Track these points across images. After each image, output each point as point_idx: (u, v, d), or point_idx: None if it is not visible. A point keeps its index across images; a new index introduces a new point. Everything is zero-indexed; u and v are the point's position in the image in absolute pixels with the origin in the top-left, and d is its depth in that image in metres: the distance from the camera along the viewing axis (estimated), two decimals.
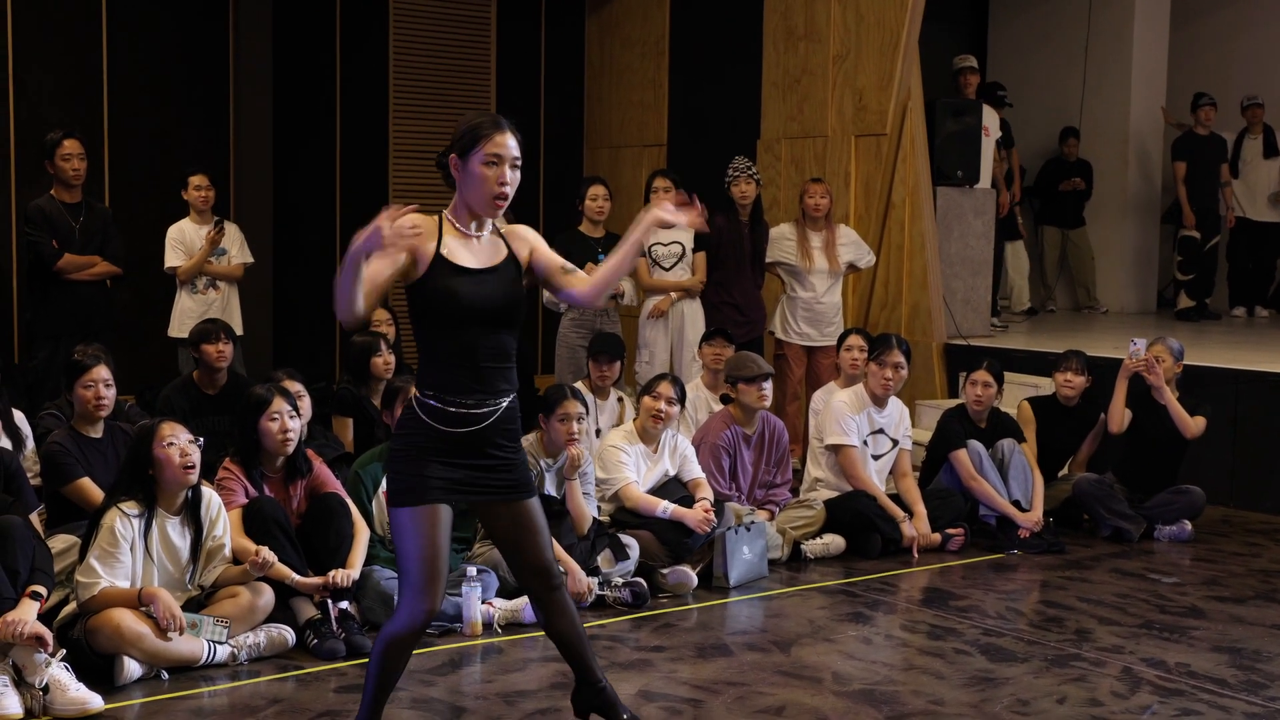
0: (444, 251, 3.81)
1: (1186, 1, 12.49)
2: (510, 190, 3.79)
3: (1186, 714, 4.50)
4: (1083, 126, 12.23)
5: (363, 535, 5.30)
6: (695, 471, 6.40)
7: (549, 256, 3.98)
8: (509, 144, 3.79)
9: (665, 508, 6.04)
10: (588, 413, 6.13)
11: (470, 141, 3.80)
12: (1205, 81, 12.37)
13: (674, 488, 6.29)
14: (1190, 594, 6.08)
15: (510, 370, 3.85)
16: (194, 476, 4.84)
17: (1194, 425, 7.10)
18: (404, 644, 3.80)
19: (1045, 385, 7.76)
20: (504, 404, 3.80)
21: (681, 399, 6.40)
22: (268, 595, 4.94)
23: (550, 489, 5.80)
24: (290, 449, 5.31)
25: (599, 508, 6.11)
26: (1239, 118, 11.84)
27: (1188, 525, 7.11)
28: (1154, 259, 12.66)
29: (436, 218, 3.90)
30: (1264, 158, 11.72)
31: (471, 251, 3.84)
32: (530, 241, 3.98)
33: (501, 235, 3.94)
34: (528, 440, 5.76)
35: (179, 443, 4.80)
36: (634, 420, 6.45)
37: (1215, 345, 9.15)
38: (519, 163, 3.83)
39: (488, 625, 5.26)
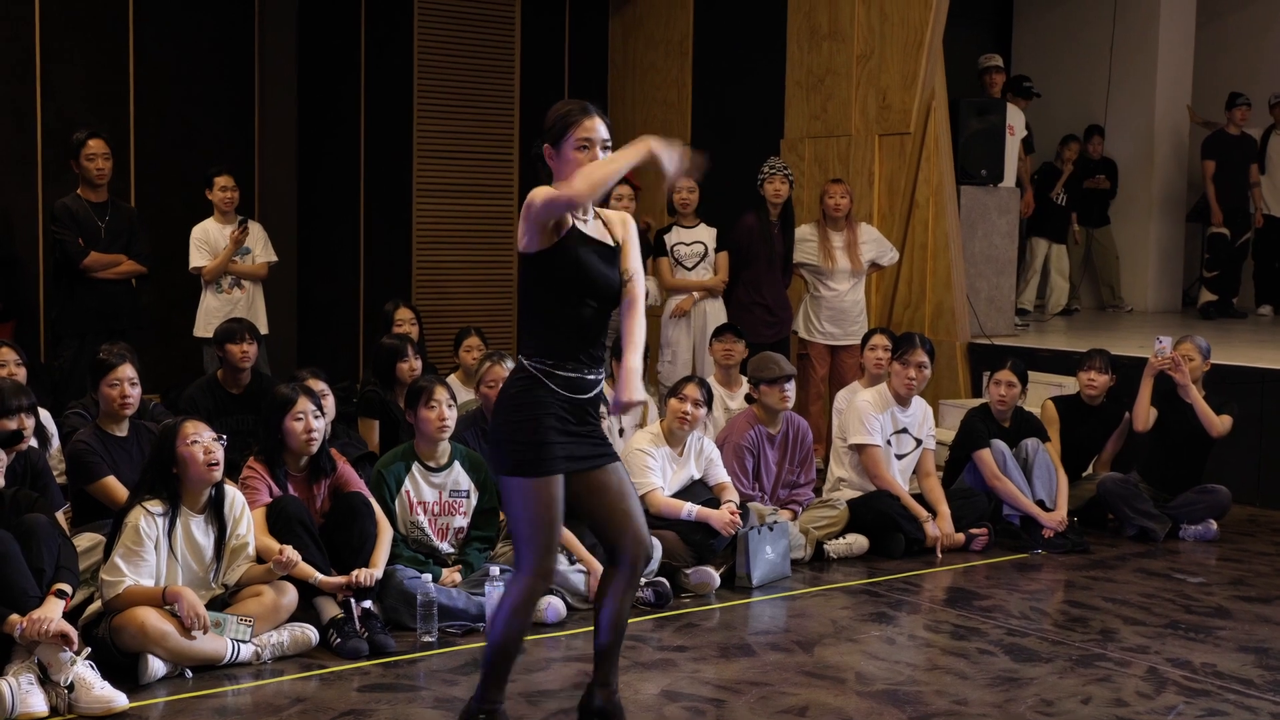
0: (578, 223, 3.92)
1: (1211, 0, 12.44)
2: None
3: (1212, 714, 4.47)
4: (1108, 125, 12.18)
5: (386, 534, 5.32)
6: (721, 475, 6.39)
7: (628, 257, 4.06)
8: (598, 127, 3.92)
9: (690, 510, 6.03)
10: (610, 412, 6.12)
11: (561, 129, 3.92)
12: (1232, 80, 12.30)
13: (699, 490, 6.28)
14: (1216, 594, 6.04)
15: (605, 344, 4.04)
16: (218, 474, 4.86)
17: (1220, 424, 7.06)
18: (526, 610, 3.96)
19: (1069, 384, 7.73)
20: (603, 375, 4.01)
21: (709, 401, 6.39)
22: (291, 594, 4.96)
23: None
24: (314, 448, 5.33)
25: None
26: (1266, 115, 11.76)
27: (1213, 525, 7.07)
28: (1179, 258, 12.60)
29: None
30: None
31: (588, 230, 3.96)
32: (626, 231, 4.07)
33: (601, 218, 4.04)
34: None
35: (203, 440, 4.82)
36: (660, 422, 6.45)
37: (1241, 344, 9.09)
38: (609, 144, 3.94)
39: None
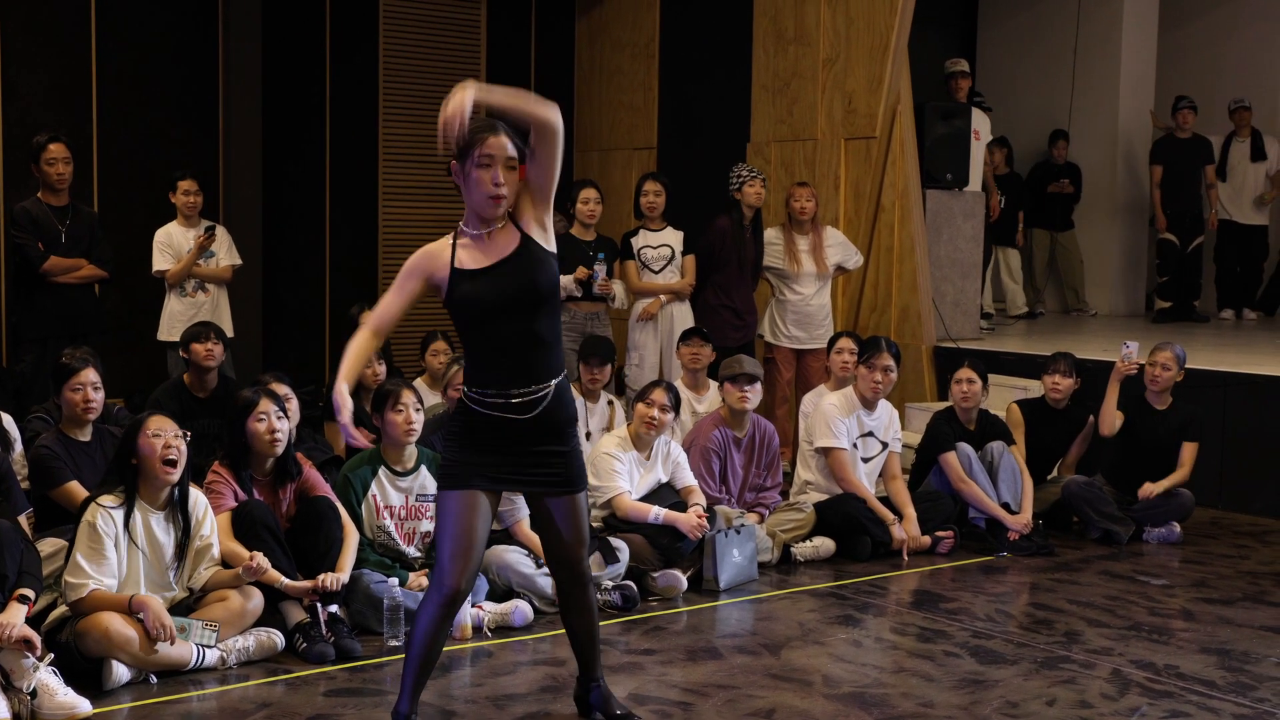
0: (457, 264, 3.96)
1: (1175, 5, 12.52)
2: (504, 190, 3.91)
3: (1175, 716, 4.51)
4: (1072, 129, 12.26)
5: (352, 539, 5.30)
6: (688, 479, 6.39)
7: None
8: (501, 144, 3.90)
9: (657, 513, 6.04)
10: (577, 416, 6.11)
11: (466, 147, 3.90)
12: (1194, 85, 12.40)
13: (666, 494, 6.29)
14: (1179, 596, 6.09)
15: (546, 355, 4.00)
16: (175, 474, 4.81)
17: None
18: (434, 623, 3.97)
19: (1034, 388, 7.77)
20: (546, 392, 3.96)
21: (676, 406, 6.40)
22: (257, 599, 4.93)
23: None
24: (278, 450, 5.31)
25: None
26: (1228, 121, 11.86)
27: (1176, 527, 7.12)
28: (1142, 262, 12.70)
29: (449, 236, 4.03)
30: (1251, 161, 11.75)
31: (484, 252, 3.96)
32: (525, 203, 4.02)
33: (514, 220, 4.01)
34: None
35: (165, 436, 4.78)
36: (628, 426, 6.45)
37: (1203, 348, 9.16)
38: (514, 163, 3.92)
39: (478, 629, 5.26)
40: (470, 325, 3.96)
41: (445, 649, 5.06)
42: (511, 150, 3.91)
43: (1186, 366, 7.31)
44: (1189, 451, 7.15)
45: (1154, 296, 12.02)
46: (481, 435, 3.97)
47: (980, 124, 10.20)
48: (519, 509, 5.67)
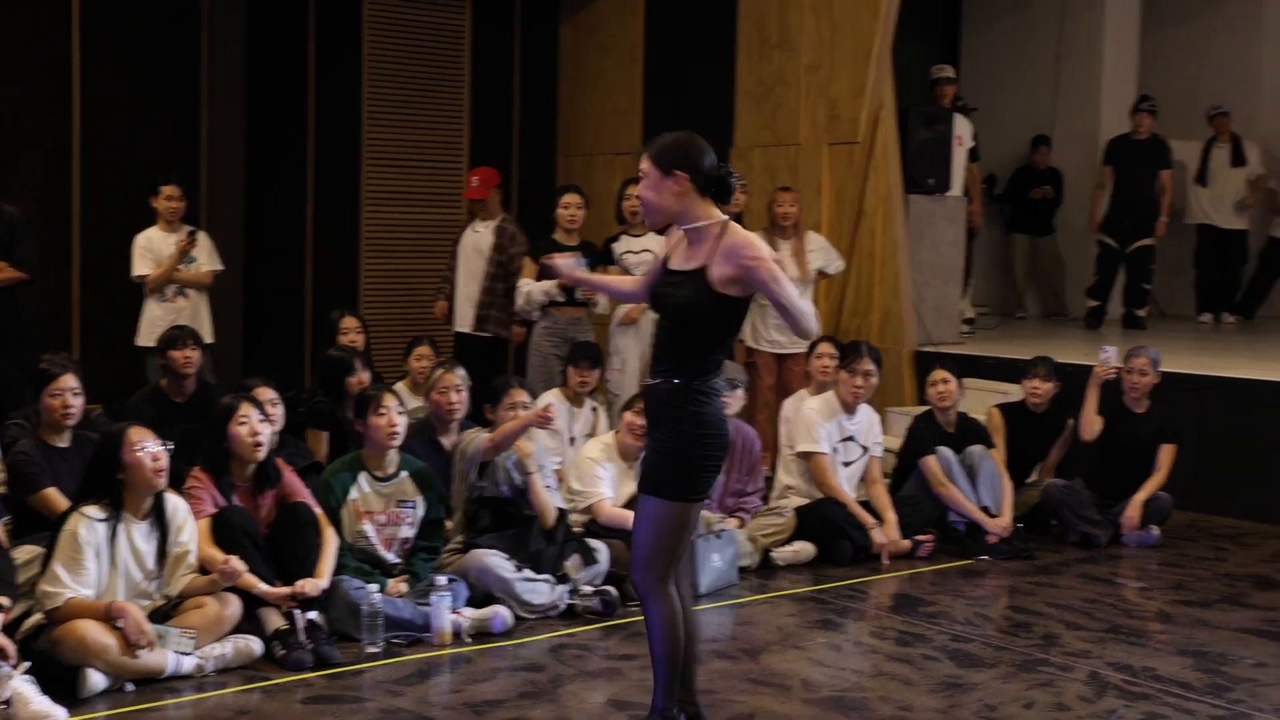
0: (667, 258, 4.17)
1: (1156, 12, 12.57)
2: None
3: (1152, 717, 4.53)
4: (1054, 135, 12.29)
5: (331, 545, 5.30)
6: None
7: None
8: (641, 165, 4.08)
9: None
10: (549, 421, 6.07)
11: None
12: (1175, 90, 12.44)
13: None
14: (1157, 598, 6.12)
15: (665, 358, 4.08)
16: (164, 481, 4.82)
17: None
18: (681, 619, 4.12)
19: (1014, 392, 7.79)
20: (654, 384, 4.10)
21: None
22: (235, 606, 4.92)
23: (516, 476, 5.76)
24: (260, 455, 5.30)
25: (565, 511, 6.09)
26: (1208, 126, 11.91)
27: (1155, 530, 7.15)
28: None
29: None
30: (1231, 166, 11.77)
31: (681, 256, 4.11)
32: (714, 260, 4.03)
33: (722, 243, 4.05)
34: (477, 439, 5.78)
35: (150, 448, 4.78)
36: (615, 434, 6.45)
37: (1182, 351, 9.20)
38: (640, 177, 4.10)
39: (457, 635, 5.25)
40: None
41: (424, 655, 5.08)
42: (643, 164, 4.05)
43: (1165, 370, 7.35)
44: (1167, 454, 7.18)
45: (1138, 302, 11.99)
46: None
47: (963, 130, 10.24)
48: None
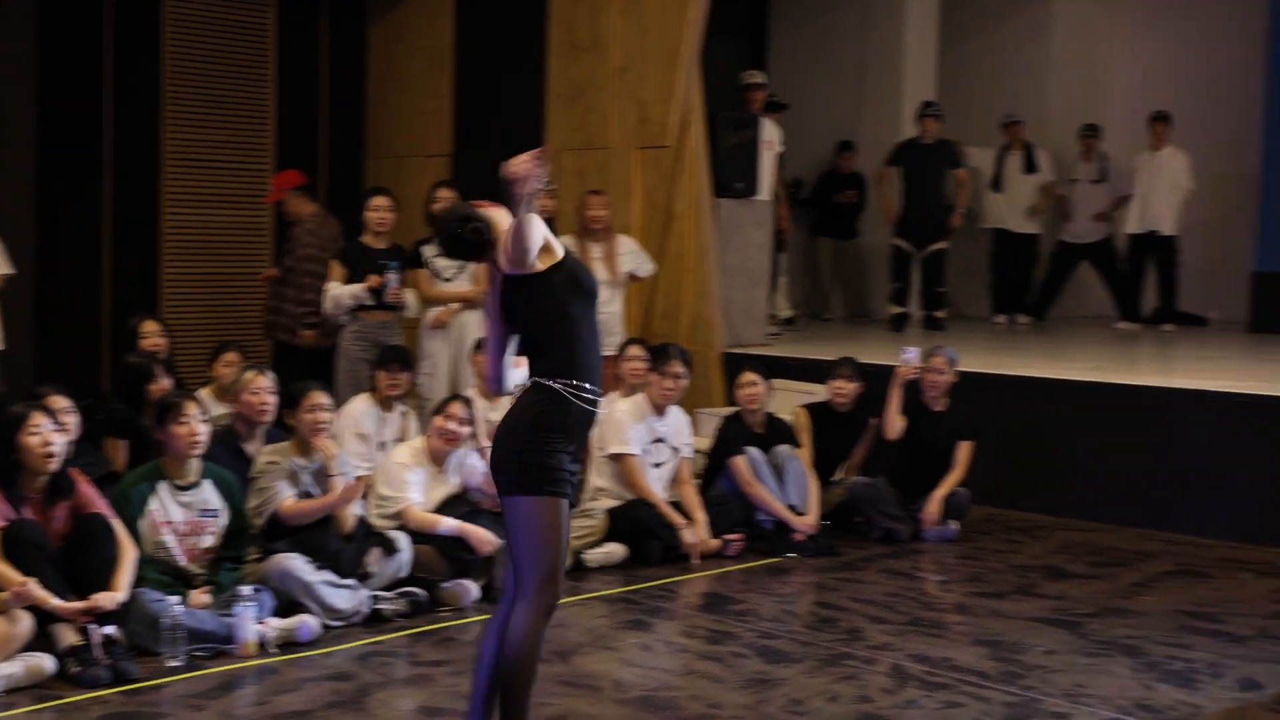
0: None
1: (954, 22, 12.98)
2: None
3: (950, 706, 4.68)
4: (858, 140, 12.59)
5: (129, 556, 5.13)
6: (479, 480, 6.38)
7: None
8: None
9: (448, 525, 6.01)
10: (331, 423, 5.98)
11: None
12: (972, 99, 12.89)
13: (457, 504, 6.25)
14: (955, 591, 6.33)
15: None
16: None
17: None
18: (540, 636, 3.91)
19: (820, 392, 7.97)
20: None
21: (472, 418, 6.37)
22: (25, 622, 4.73)
23: (312, 488, 5.68)
24: (52, 466, 5.10)
25: (365, 511, 6.02)
26: (1002, 135, 12.35)
27: (954, 525, 7.39)
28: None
29: None
30: (1023, 173, 12.23)
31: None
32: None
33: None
34: (280, 447, 5.68)
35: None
36: (425, 438, 6.39)
37: (979, 351, 9.51)
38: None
39: (262, 645, 5.15)
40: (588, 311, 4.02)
41: (227, 667, 4.97)
42: None
43: (963, 370, 7.60)
44: (965, 451, 7.43)
45: (930, 307, 12.30)
46: (579, 434, 3.97)
47: (773, 134, 10.43)
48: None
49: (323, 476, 5.72)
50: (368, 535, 5.78)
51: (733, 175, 9.66)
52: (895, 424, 7.45)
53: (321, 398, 5.78)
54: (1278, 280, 11.35)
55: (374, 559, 5.70)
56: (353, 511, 5.74)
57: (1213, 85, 12.70)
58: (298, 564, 5.44)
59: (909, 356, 7.45)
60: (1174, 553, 7.06)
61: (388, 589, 5.73)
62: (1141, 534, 7.44)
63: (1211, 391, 7.57)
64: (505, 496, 3.98)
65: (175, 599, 5.07)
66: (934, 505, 7.28)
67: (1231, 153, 12.31)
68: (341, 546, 5.61)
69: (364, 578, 5.61)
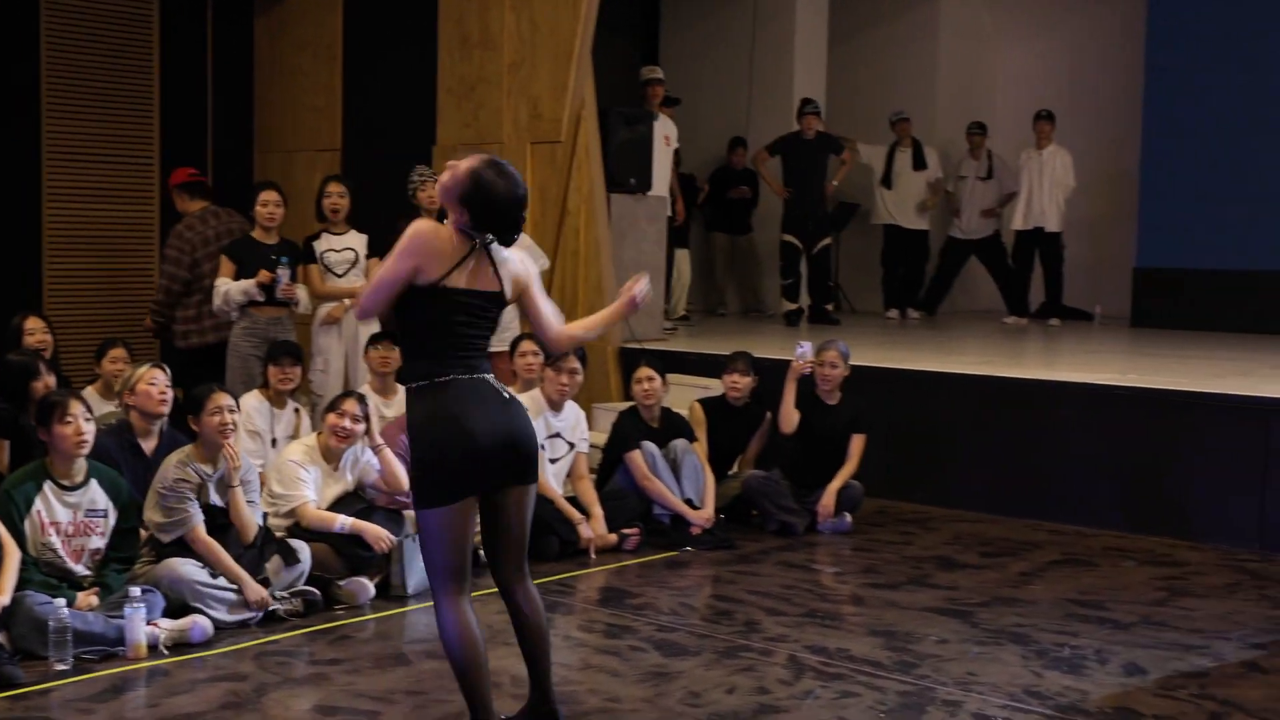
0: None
1: (844, 20, 13.14)
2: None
3: (846, 696, 4.73)
4: (750, 137, 12.69)
5: (13, 558, 5.01)
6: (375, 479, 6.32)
7: None
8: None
9: (343, 523, 5.95)
10: (237, 425, 5.88)
11: None
12: (862, 96, 13.07)
13: (351, 501, 6.19)
14: (850, 582, 6.40)
15: (479, 355, 4.10)
16: None
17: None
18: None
19: (715, 386, 8.02)
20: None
21: (366, 415, 6.30)
22: None
23: (215, 499, 5.60)
24: None
25: (266, 516, 5.93)
26: (892, 131, 12.52)
27: (848, 517, 7.47)
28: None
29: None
30: (913, 169, 12.42)
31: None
32: None
33: None
34: (184, 452, 5.57)
35: None
36: (317, 435, 6.31)
37: (871, 346, 9.64)
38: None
39: (153, 647, 5.05)
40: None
41: (117, 670, 4.87)
42: None
43: (856, 364, 7.69)
44: (857, 444, 7.52)
45: (833, 300, 12.44)
46: None
47: (669, 130, 10.47)
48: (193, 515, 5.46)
49: (224, 486, 5.59)
50: (268, 540, 5.68)
51: (626, 171, 9.69)
52: (791, 418, 7.51)
53: (225, 399, 5.65)
54: (1157, 276, 11.68)
55: (274, 567, 5.62)
56: (255, 520, 5.65)
57: (1096, 85, 13.04)
58: (190, 569, 5.34)
59: (803, 351, 7.52)
60: (1060, 543, 7.21)
61: (283, 587, 5.65)
62: (1029, 524, 7.59)
63: (1096, 384, 7.74)
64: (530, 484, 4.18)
65: (62, 601, 4.95)
66: (829, 498, 7.36)
67: (1114, 152, 12.65)
68: (240, 552, 5.52)
69: (263, 584, 5.51)
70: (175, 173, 8.96)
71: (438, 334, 3.99)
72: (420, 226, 4.00)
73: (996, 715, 4.57)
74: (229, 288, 7.77)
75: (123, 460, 5.86)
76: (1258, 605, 6.01)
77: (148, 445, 6.07)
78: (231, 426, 5.59)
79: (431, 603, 4.55)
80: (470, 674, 4.01)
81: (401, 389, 7.19)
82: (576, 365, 7.02)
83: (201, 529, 5.43)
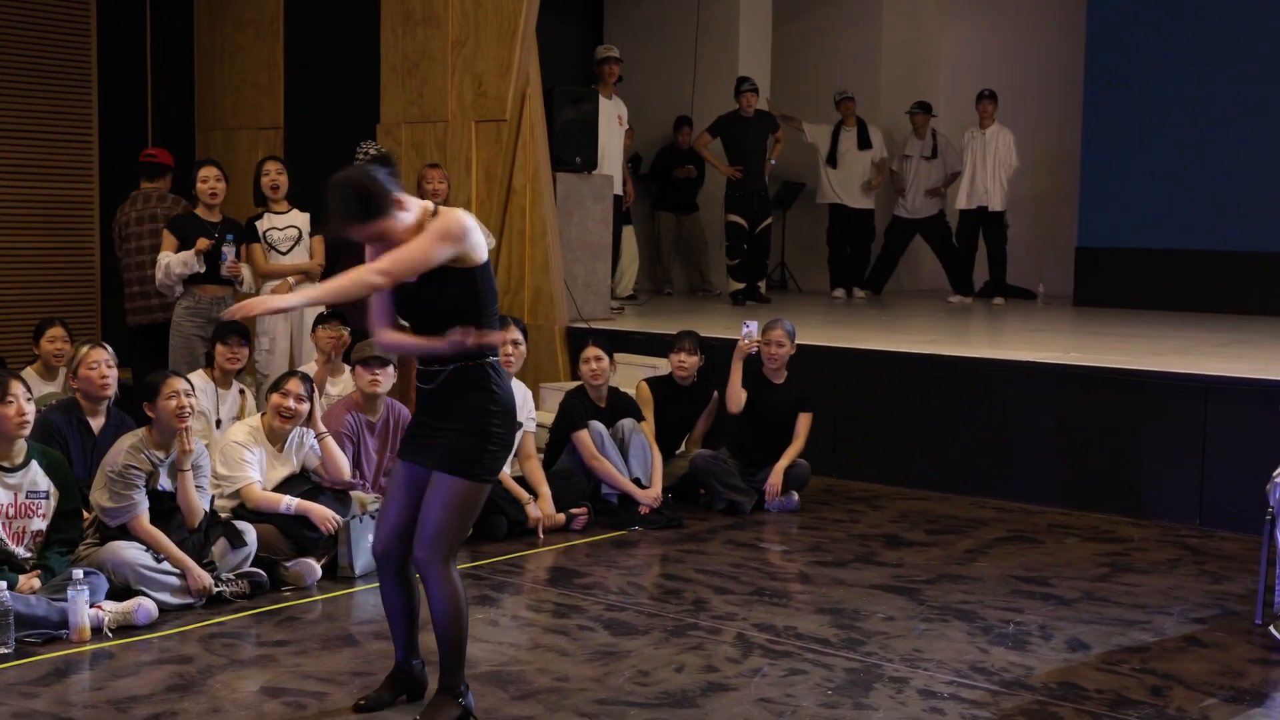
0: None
1: (787, 0, 13.15)
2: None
3: (794, 673, 4.76)
4: (695, 116, 12.67)
5: None
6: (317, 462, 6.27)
7: None
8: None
9: (289, 503, 5.90)
10: (196, 405, 5.83)
11: None
12: (807, 76, 13.09)
13: (298, 482, 6.14)
14: (797, 560, 6.43)
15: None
16: None
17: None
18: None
19: (662, 365, 8.02)
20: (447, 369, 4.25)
21: (311, 396, 6.24)
22: None
23: (165, 484, 5.54)
24: None
25: (213, 499, 5.87)
26: (836, 111, 12.55)
27: (795, 496, 7.50)
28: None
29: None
30: (858, 149, 12.45)
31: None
32: None
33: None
34: (137, 436, 5.50)
35: None
36: (262, 416, 6.25)
37: (817, 324, 9.68)
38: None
39: (97, 630, 4.99)
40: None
41: (61, 653, 4.81)
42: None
43: (802, 343, 7.72)
44: (804, 423, 7.54)
45: (781, 278, 12.47)
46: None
47: (622, 110, 10.43)
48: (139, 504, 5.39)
49: (175, 470, 5.51)
50: (213, 523, 5.62)
51: (571, 149, 9.66)
52: (738, 397, 7.53)
53: (180, 383, 5.55)
54: (1098, 255, 11.80)
55: (219, 551, 5.56)
56: (202, 506, 5.58)
57: (1038, 65, 13.14)
58: (134, 553, 5.27)
59: (749, 330, 7.53)
60: (1005, 520, 7.28)
61: (229, 570, 5.60)
62: (974, 502, 7.66)
63: (1039, 363, 7.81)
64: None
65: (3, 584, 4.88)
66: (776, 476, 7.38)
67: (1056, 132, 12.75)
68: (186, 535, 5.46)
69: (208, 568, 5.46)
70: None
71: (489, 312, 4.22)
72: (468, 221, 4.16)
73: (943, 691, 4.61)
74: (169, 260, 7.70)
75: (71, 438, 5.80)
76: (1197, 580, 6.10)
77: (95, 424, 6.04)
78: (189, 410, 5.50)
79: (377, 584, 4.56)
80: (466, 635, 4.25)
81: (347, 369, 7.18)
82: (518, 335, 6.99)
83: (145, 518, 5.36)
